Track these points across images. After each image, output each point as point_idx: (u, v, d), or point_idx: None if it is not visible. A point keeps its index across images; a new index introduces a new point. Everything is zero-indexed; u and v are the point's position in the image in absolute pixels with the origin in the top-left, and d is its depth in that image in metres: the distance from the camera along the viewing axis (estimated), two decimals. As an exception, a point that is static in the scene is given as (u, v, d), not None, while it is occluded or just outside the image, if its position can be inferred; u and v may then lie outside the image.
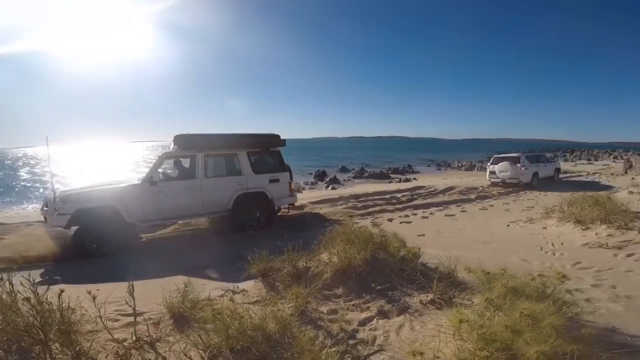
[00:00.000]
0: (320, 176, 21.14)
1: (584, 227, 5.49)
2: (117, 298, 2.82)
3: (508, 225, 6.85)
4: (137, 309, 2.48)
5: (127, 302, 2.39)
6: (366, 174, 21.88)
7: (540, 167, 13.47)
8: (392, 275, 3.28)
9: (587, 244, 4.95)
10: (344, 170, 25.41)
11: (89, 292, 2.25)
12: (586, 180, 15.06)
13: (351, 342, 2.43)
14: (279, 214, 7.63)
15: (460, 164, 29.13)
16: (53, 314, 2.07)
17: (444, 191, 11.90)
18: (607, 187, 12.00)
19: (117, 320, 2.61)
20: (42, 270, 4.72)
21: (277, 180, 6.85)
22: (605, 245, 4.77)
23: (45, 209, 5.44)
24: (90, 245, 5.32)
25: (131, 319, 2.51)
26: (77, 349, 2.00)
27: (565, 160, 34.58)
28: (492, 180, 13.25)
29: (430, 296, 2.83)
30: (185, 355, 2.04)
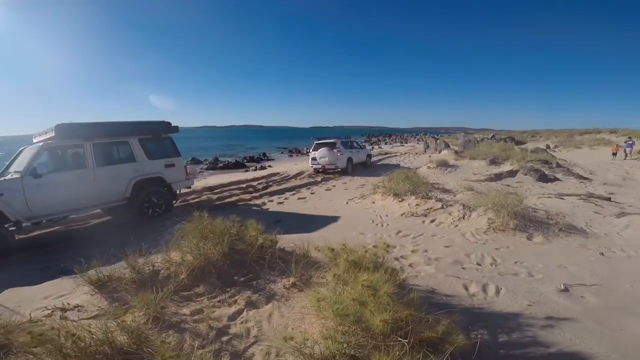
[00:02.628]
0: (167, 170, 18.93)
1: (400, 200, 6.86)
2: None
3: (347, 203, 7.91)
4: None
5: None
6: (220, 165, 21.00)
7: (354, 153, 13.77)
8: (253, 265, 3.30)
9: (403, 214, 6.19)
10: (194, 162, 23.58)
11: None
12: (393, 163, 17.41)
13: (224, 338, 2.34)
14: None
15: (308, 150, 31.69)
16: None
17: (296, 176, 12.72)
18: (409, 169, 13.95)
19: None
20: None
21: (172, 165, 7.12)
22: (416, 213, 6.06)
23: None
24: None
25: None
26: None
27: (386, 144, 42.65)
28: (314, 166, 13.07)
29: (292, 280, 2.98)
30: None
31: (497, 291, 3.03)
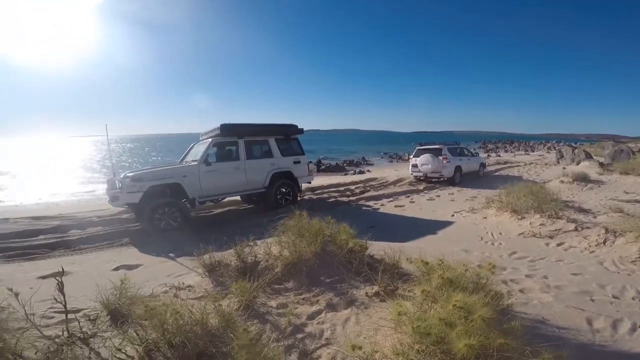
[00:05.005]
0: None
1: (519, 217, 5.89)
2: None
3: (452, 216, 7.19)
4: (74, 306, 2.54)
5: (55, 299, 2.27)
6: (323, 167, 21.98)
7: (463, 160, 12.53)
8: (340, 268, 3.28)
9: (522, 233, 5.29)
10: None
11: (11, 289, 2.12)
12: (514, 174, 14.84)
13: (299, 335, 2.39)
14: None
15: (409, 156, 30.34)
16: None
17: (395, 182, 12.26)
18: (534, 182, 11.14)
19: (52, 317, 2.61)
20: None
21: (299, 162, 8.24)
22: (539, 234, 5.12)
23: (112, 190, 6.13)
24: (159, 220, 6.04)
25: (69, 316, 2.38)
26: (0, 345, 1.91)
27: (506, 152, 37.67)
28: (415, 174, 12.28)
29: (376, 288, 2.84)
30: (119, 350, 1.98)
31: (633, 329, 2.33)
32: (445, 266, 2.42)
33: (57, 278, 2.30)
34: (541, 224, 5.39)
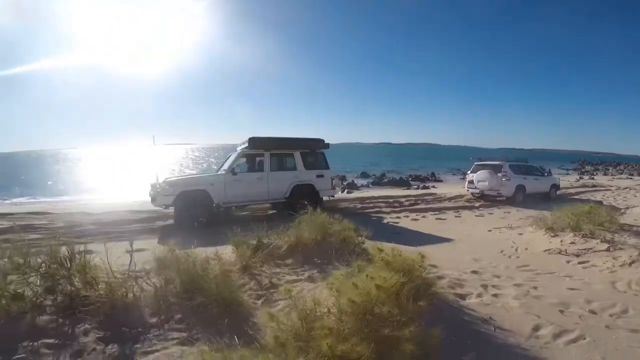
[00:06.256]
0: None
1: (553, 235, 5.65)
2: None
3: (490, 230, 7.06)
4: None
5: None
6: (385, 180, 21.50)
7: (528, 180, 11.53)
8: (333, 254, 3.90)
9: (548, 250, 5.14)
10: (364, 175, 25.03)
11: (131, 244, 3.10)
12: (595, 199, 12.67)
13: (272, 291, 3.11)
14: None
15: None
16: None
17: (451, 198, 11.86)
18: (612, 207, 9.67)
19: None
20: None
21: (322, 176, 8.43)
22: (564, 252, 4.95)
23: (152, 192, 6.98)
24: (188, 220, 6.87)
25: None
26: None
27: (605, 174, 32.49)
28: (471, 190, 11.70)
29: (350, 270, 3.39)
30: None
31: (575, 340, 2.39)
32: (395, 253, 2.83)
33: (129, 251, 3.21)
34: (572, 242, 5.15)
